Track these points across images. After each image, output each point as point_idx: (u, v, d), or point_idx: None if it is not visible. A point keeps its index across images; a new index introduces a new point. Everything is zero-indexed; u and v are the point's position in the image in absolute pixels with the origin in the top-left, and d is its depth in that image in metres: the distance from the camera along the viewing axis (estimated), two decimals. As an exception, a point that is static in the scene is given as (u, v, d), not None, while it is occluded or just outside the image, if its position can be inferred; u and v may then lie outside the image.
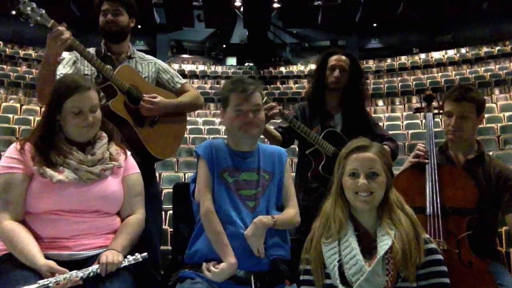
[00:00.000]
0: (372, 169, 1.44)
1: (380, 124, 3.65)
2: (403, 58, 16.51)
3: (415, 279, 1.36)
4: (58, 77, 2.03)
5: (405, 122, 9.20)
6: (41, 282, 1.40)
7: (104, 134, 1.76)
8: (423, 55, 16.50)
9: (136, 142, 2.16)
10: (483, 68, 13.55)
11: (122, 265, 1.54)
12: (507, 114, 8.62)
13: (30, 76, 12.32)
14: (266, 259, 1.64)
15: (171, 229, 3.09)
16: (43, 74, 2.04)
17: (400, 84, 13.24)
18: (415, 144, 6.19)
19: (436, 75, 13.84)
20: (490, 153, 2.89)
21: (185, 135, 7.18)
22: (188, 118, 3.04)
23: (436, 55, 16.17)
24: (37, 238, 1.55)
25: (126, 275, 1.55)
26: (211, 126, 9.54)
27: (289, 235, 1.80)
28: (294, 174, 2.46)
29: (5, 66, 13.36)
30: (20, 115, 9.10)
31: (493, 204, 1.93)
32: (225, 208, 1.67)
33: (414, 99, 11.34)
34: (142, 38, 18.31)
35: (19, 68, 13.64)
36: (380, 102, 11.68)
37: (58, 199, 1.57)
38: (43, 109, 1.75)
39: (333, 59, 2.44)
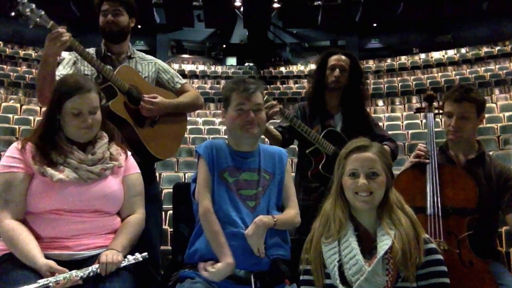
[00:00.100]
0: (372, 169, 1.44)
1: (380, 124, 3.65)
2: (403, 58, 16.50)
3: (415, 279, 1.36)
4: (58, 77, 2.03)
5: (405, 122, 9.20)
6: (41, 281, 1.40)
7: (105, 134, 1.75)
8: (423, 55, 16.49)
9: (137, 142, 2.16)
10: (483, 68, 13.53)
11: (122, 265, 1.54)
12: (507, 114, 8.62)
13: (30, 76, 12.31)
14: (266, 259, 1.64)
15: (171, 229, 3.09)
16: (42, 75, 2.04)
17: (400, 84, 13.22)
18: (415, 144, 6.21)
19: (436, 75, 13.82)
20: (490, 153, 2.89)
21: (185, 135, 7.17)
22: (188, 118, 3.04)
23: (436, 55, 16.16)
24: (37, 237, 1.55)
25: (126, 275, 1.54)
26: (211, 126, 9.54)
27: (289, 235, 1.80)
28: (294, 174, 2.46)
29: (5, 66, 13.36)
30: (20, 115, 9.10)
31: (493, 204, 1.93)
32: (225, 208, 1.67)
33: (414, 99, 11.34)
34: (142, 38, 18.32)
35: (19, 68, 13.63)
36: (380, 102, 11.68)
37: (58, 198, 1.57)
38: (43, 109, 1.75)
39: (333, 59, 2.45)
